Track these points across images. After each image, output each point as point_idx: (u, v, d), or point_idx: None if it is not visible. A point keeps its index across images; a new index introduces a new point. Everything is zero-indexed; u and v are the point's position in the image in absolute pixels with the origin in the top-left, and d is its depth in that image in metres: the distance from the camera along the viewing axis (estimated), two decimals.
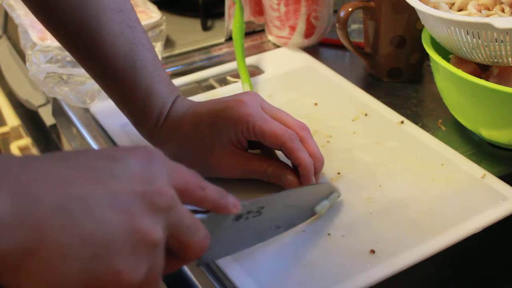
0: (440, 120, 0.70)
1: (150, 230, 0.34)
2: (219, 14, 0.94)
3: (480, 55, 0.61)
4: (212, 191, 0.41)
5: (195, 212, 0.42)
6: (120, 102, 0.61)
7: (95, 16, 0.56)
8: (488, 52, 0.60)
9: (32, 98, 0.92)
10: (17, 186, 0.31)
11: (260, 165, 0.57)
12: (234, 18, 0.82)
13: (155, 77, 0.59)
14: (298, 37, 0.85)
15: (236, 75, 0.79)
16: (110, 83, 0.59)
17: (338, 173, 0.61)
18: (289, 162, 0.58)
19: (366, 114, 0.70)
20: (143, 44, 0.59)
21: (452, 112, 0.68)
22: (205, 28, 0.95)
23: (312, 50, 0.86)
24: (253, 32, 0.92)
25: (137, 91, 0.58)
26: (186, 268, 0.52)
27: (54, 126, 0.84)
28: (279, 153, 0.59)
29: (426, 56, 0.75)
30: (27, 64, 0.73)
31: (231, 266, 0.51)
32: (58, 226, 0.31)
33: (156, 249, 0.35)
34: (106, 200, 0.33)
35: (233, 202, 0.43)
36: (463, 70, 0.61)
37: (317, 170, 0.56)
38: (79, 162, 0.35)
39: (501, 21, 0.56)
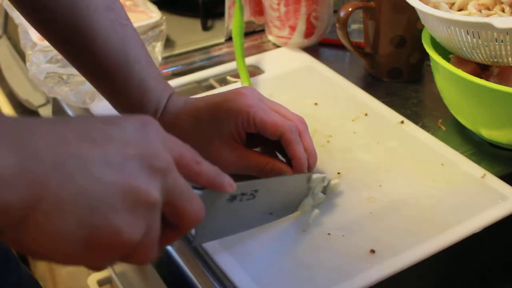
0: (440, 120, 0.70)
1: (147, 190, 0.35)
2: (219, 14, 0.94)
3: (480, 55, 0.61)
4: (208, 166, 0.41)
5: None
6: (115, 100, 0.60)
7: (86, 15, 0.55)
8: (488, 52, 0.60)
9: (32, 98, 0.91)
10: (17, 142, 0.32)
11: (259, 161, 0.56)
12: (233, 18, 0.82)
13: (149, 73, 0.59)
14: (298, 37, 0.85)
15: (236, 75, 0.79)
16: (103, 81, 0.59)
17: (338, 173, 0.61)
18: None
19: (366, 114, 0.70)
20: (135, 41, 0.59)
21: (452, 112, 0.68)
22: (205, 28, 0.95)
23: (312, 50, 0.86)
24: (253, 32, 0.92)
25: (131, 87, 0.58)
26: (186, 268, 0.52)
27: None
28: None
29: (426, 56, 0.75)
30: (27, 64, 0.73)
31: (231, 266, 0.51)
32: (56, 181, 0.32)
33: (153, 210, 0.35)
34: (102, 160, 0.34)
35: (228, 181, 0.43)
36: (463, 70, 0.61)
37: (310, 166, 0.56)
38: (77, 125, 0.35)
39: (501, 21, 0.56)
